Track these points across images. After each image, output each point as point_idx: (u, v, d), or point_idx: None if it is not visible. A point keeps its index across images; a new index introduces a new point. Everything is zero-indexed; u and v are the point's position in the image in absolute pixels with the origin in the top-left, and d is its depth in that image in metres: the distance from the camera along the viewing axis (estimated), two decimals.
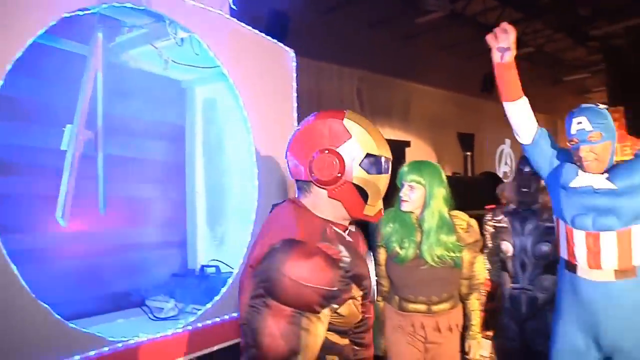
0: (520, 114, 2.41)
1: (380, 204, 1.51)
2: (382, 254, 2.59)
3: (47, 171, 2.90)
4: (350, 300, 1.37)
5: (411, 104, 12.78)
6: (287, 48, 3.72)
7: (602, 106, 2.28)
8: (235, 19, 3.29)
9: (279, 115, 3.54)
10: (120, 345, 2.49)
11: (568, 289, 2.36)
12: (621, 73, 13.76)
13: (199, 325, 2.89)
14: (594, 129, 2.19)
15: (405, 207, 2.50)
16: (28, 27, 2.19)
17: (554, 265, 2.74)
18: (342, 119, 1.43)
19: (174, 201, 3.93)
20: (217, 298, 2.99)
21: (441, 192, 2.50)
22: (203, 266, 3.70)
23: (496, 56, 2.32)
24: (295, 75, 3.74)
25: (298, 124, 3.60)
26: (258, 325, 1.26)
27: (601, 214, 2.22)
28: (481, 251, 2.75)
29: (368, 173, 1.42)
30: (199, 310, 2.97)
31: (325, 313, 1.31)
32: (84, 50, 3.00)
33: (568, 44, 13.40)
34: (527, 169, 2.90)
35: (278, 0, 7.46)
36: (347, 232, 1.50)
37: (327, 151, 1.40)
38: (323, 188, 1.42)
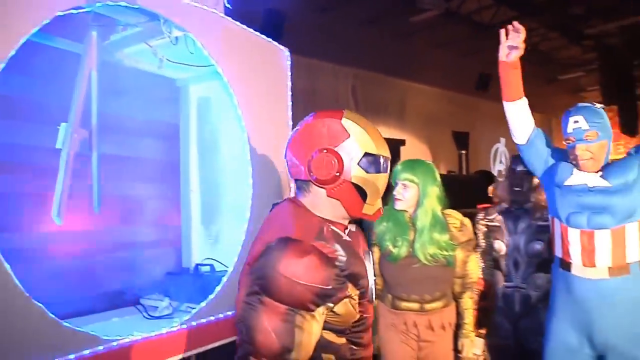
0: (519, 115, 2.43)
1: (379, 203, 1.52)
2: (375, 253, 2.60)
3: (41, 170, 2.89)
4: (347, 299, 1.37)
5: (406, 102, 12.79)
6: (281, 47, 3.72)
7: (598, 106, 2.31)
8: (229, 18, 3.29)
9: (273, 114, 3.54)
10: (114, 344, 2.48)
11: (562, 288, 2.38)
12: (615, 72, 13.81)
13: (194, 323, 2.89)
14: (591, 127, 2.21)
15: (398, 205, 2.51)
16: (22, 26, 2.18)
17: (547, 263, 2.75)
18: (341, 119, 1.44)
19: (169, 200, 3.92)
20: (211, 296, 2.99)
21: (434, 191, 2.52)
22: (197, 265, 3.69)
23: (502, 54, 2.34)
24: (289, 74, 3.74)
25: (293, 122, 3.65)
26: (252, 322, 1.27)
27: (596, 212, 2.24)
28: (474, 250, 2.77)
29: (367, 172, 1.43)
30: (193, 308, 2.97)
31: (320, 311, 1.32)
32: (78, 49, 2.99)
33: (562, 43, 13.41)
34: (519, 168, 2.92)
35: None
36: (347, 231, 1.51)
37: (325, 150, 1.41)
38: (322, 187, 1.43)
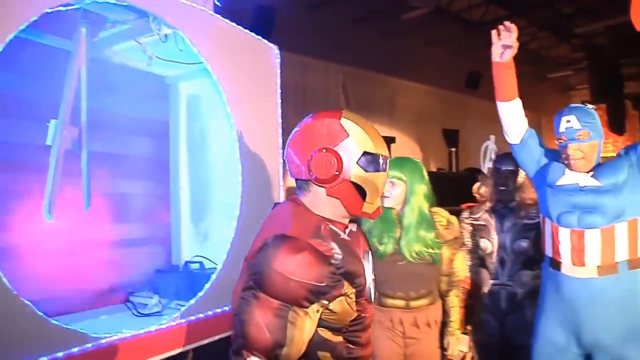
0: (513, 115, 2.45)
1: (378, 202, 1.54)
2: None
3: (30, 167, 2.89)
4: (343, 297, 1.39)
5: (396, 99, 12.82)
6: (271, 44, 3.73)
7: (590, 106, 2.35)
8: (219, 15, 3.29)
9: (263, 111, 3.55)
10: (103, 341, 2.49)
11: (552, 287, 2.40)
12: (603, 71, 13.92)
13: (183, 321, 2.90)
14: (583, 127, 2.24)
15: (386, 203, 2.53)
16: (9, 22, 2.17)
17: (533, 261, 2.78)
18: (340, 119, 1.47)
19: (158, 197, 3.92)
20: (200, 294, 3.00)
21: (422, 189, 2.54)
22: (187, 262, 3.70)
23: (496, 54, 2.36)
24: (279, 71, 3.75)
25: (282, 120, 3.64)
26: (246, 316, 1.30)
27: (586, 211, 2.27)
28: (461, 248, 2.79)
29: (366, 171, 1.46)
30: (182, 306, 2.97)
31: (315, 309, 1.34)
32: (67, 46, 2.98)
33: (552, 42, 13.50)
34: (504, 167, 2.95)
35: None
36: (347, 231, 1.52)
37: (325, 150, 1.43)
38: (322, 186, 1.46)
